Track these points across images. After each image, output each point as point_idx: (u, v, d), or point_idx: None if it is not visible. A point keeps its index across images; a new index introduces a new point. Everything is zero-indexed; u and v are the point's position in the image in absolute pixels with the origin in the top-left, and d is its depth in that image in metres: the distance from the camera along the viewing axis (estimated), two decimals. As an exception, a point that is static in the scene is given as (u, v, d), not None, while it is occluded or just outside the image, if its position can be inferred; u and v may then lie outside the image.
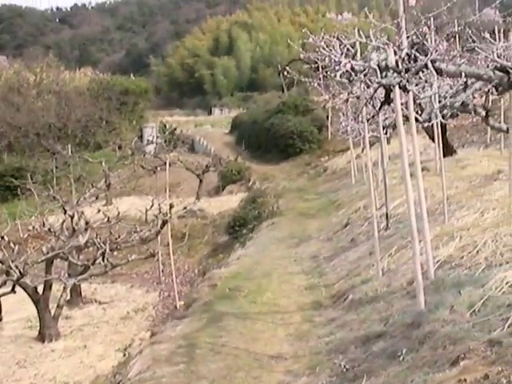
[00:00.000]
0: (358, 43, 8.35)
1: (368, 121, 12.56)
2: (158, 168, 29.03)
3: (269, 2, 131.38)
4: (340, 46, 7.58)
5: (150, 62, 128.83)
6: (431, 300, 8.49)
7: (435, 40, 8.38)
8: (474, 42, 9.59)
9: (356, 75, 7.40)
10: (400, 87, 7.17)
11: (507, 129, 16.08)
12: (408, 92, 7.53)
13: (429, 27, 7.49)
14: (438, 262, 10.13)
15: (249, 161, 40.22)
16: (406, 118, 9.99)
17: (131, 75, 70.96)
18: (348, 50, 7.64)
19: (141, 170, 34.05)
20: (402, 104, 9.39)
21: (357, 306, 10.66)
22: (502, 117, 19.86)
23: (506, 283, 7.85)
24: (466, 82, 11.52)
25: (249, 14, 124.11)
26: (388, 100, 8.22)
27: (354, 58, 7.63)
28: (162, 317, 16.04)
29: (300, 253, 17.09)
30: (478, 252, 9.79)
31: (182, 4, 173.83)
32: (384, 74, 7.19)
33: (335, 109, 30.79)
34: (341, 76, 7.39)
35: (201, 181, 33.60)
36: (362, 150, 20.63)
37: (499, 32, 14.75)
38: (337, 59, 6.97)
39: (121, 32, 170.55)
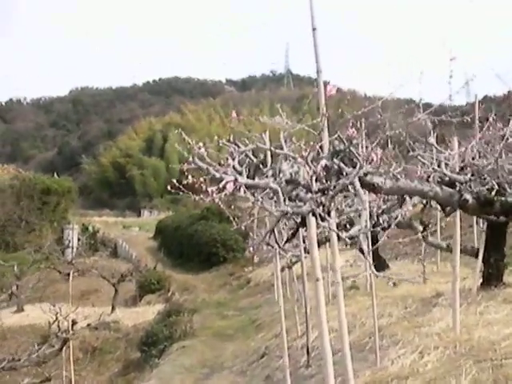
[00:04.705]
0: (268, 152, 6.23)
1: (283, 245, 10.29)
2: (75, 274, 27.41)
3: (202, 104, 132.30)
4: (237, 152, 5.51)
5: (81, 160, 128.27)
6: None
7: (366, 146, 6.37)
8: (413, 150, 7.73)
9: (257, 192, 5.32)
10: (314, 215, 5.01)
11: (447, 246, 14.34)
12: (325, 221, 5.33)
13: (357, 129, 5.45)
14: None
15: (170, 268, 38.80)
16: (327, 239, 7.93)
17: (54, 174, 69.13)
18: (248, 157, 5.56)
19: (57, 274, 32.37)
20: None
21: None
22: (438, 227, 17.99)
23: None
24: (402, 197, 9.74)
25: (181, 116, 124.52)
26: (304, 224, 6.11)
27: (257, 168, 5.54)
28: None
29: (208, 389, 14.75)
30: (419, 420, 7.54)
31: (116, 103, 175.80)
32: (295, 193, 5.09)
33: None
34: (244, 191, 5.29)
35: (116, 290, 31.46)
36: (282, 269, 18.66)
37: (436, 138, 13.05)
38: (218, 175, 4.86)
39: (54, 129, 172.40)
